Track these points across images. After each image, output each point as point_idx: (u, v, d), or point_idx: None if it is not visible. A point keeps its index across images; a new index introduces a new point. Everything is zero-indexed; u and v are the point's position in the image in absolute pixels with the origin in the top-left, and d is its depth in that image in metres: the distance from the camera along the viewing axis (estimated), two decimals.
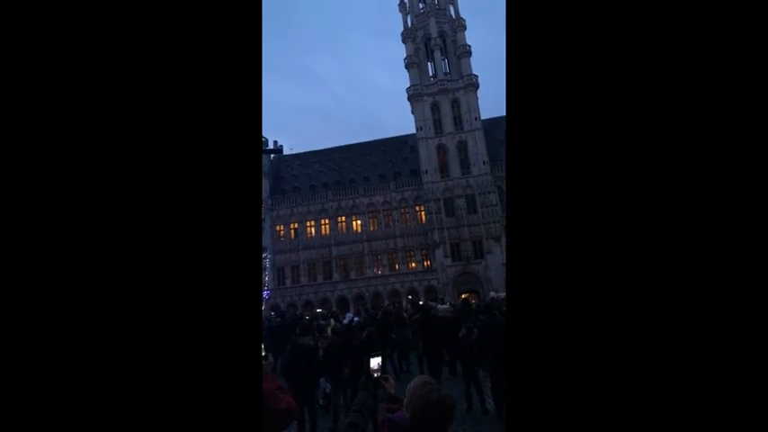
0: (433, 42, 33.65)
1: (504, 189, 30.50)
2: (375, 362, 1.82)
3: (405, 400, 1.36)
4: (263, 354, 2.30)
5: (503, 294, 14.90)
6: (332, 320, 8.76)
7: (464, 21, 33.90)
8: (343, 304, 29.59)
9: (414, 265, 31.45)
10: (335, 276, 32.27)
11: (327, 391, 6.03)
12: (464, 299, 15.53)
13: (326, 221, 33.41)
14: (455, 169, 31.26)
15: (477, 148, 30.96)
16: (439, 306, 8.79)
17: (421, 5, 34.83)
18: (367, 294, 30.77)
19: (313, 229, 33.45)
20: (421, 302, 12.18)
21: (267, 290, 22.97)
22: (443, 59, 33.89)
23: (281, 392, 2.08)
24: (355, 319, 8.41)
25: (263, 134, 34.97)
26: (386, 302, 26.88)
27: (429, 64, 34.01)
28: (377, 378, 1.75)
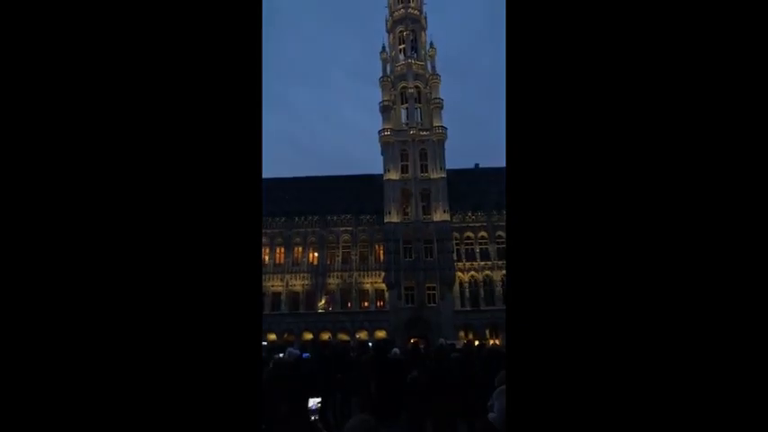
0: (408, 92, 35.42)
1: (462, 237, 31.46)
2: (314, 402, 1.74)
3: None
4: None
5: (451, 342, 14.87)
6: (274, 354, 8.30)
7: (439, 77, 36.16)
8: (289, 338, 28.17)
9: (367, 304, 30.93)
10: (283, 308, 30.95)
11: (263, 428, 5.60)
12: (413, 343, 15.26)
13: (282, 250, 32.47)
14: (417, 213, 31.95)
15: (440, 195, 32.02)
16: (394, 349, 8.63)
17: (401, 57, 36.93)
18: (315, 330, 29.61)
19: (267, 257, 32.30)
20: (370, 343, 11.83)
21: None
22: (416, 109, 35.61)
23: None
24: (304, 355, 8.02)
25: None
26: (333, 340, 25.95)
27: (403, 111, 35.57)
28: (314, 421, 1.67)
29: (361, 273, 31.57)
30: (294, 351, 8.90)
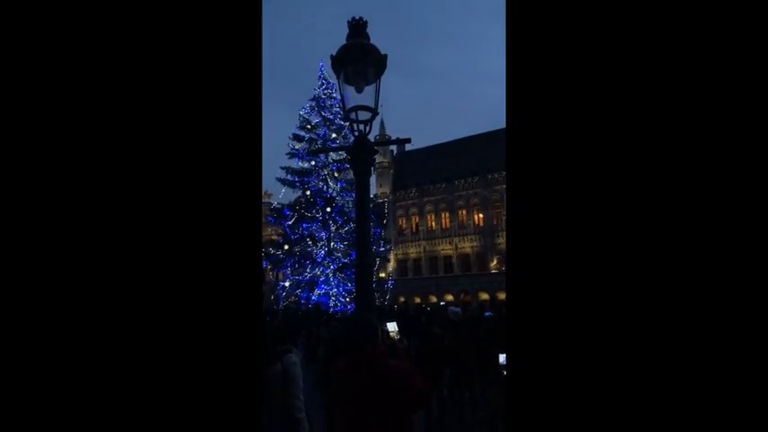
0: None
1: None
2: (504, 357, 1.75)
3: None
4: (399, 337, 2.43)
5: None
6: (456, 313, 8.75)
7: None
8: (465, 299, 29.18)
9: None
10: (456, 270, 32.02)
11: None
12: None
13: (447, 215, 33.32)
14: None
15: None
16: None
17: None
18: (490, 290, 29.76)
19: (434, 223, 33.75)
20: None
21: (391, 280, 24.24)
22: None
23: (417, 375, 2.14)
24: (486, 313, 8.26)
25: (387, 132, 36.48)
26: None
27: None
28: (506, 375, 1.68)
29: None
30: (455, 309, 9.21)
